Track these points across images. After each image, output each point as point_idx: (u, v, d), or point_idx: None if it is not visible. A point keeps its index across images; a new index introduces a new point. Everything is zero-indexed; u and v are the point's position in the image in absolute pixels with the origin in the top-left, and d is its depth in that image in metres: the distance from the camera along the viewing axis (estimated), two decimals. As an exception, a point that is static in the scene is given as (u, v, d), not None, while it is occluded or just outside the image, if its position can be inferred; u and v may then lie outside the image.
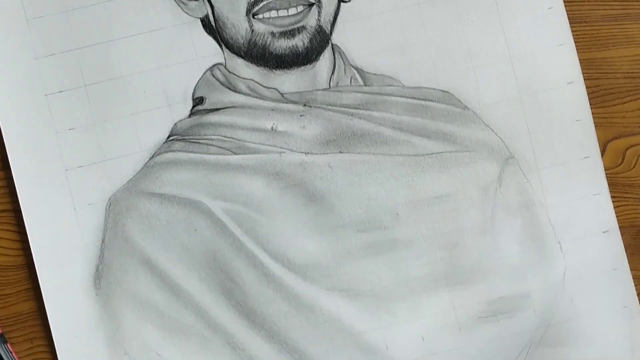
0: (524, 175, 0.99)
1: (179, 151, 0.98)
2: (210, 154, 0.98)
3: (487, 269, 0.98)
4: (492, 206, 0.99)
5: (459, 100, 0.99)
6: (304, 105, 0.99)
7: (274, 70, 0.99)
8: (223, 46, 0.99)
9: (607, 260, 0.99)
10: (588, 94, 1.00)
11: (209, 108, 0.99)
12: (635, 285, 0.99)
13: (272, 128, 0.99)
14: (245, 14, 0.98)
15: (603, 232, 0.99)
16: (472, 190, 0.98)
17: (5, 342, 0.97)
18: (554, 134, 0.99)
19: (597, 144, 0.99)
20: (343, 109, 0.99)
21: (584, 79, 1.00)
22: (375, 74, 0.99)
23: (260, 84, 0.99)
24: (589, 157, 0.99)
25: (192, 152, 0.98)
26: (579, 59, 1.00)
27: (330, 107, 0.99)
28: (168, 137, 0.99)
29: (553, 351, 0.98)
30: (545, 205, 0.99)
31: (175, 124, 0.99)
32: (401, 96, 0.99)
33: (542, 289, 0.98)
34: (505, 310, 0.98)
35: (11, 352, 0.97)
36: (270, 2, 0.97)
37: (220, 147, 0.99)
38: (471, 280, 0.98)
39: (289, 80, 0.99)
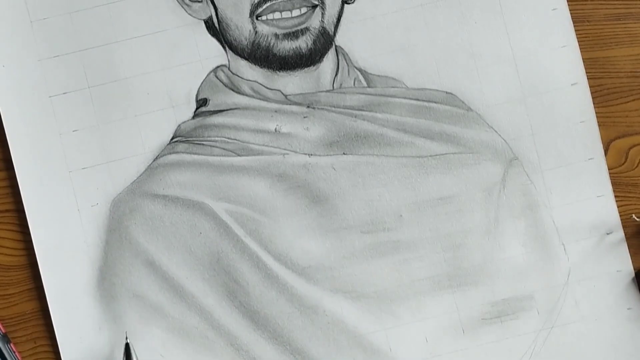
0: (528, 176, 0.99)
1: (183, 153, 0.98)
2: (213, 155, 0.98)
3: (491, 270, 0.98)
4: (496, 207, 0.99)
5: (463, 102, 0.99)
6: (308, 106, 0.99)
7: (278, 72, 0.99)
8: (226, 48, 0.99)
9: (611, 262, 0.99)
10: (591, 93, 1.00)
11: (212, 109, 0.99)
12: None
13: (275, 129, 0.99)
14: (248, 15, 0.98)
15: (607, 233, 0.99)
16: (476, 191, 0.98)
17: (8, 342, 0.97)
18: (558, 135, 0.99)
19: (601, 145, 0.99)
20: (346, 110, 0.99)
21: (587, 78, 1.00)
22: (378, 76, 0.99)
23: (264, 86, 0.99)
24: (593, 159, 0.99)
25: (195, 153, 0.98)
26: (582, 58, 1.00)
27: (333, 108, 0.99)
28: (172, 138, 0.99)
29: (557, 353, 0.98)
30: (549, 206, 0.99)
31: (179, 126, 0.99)
32: (405, 97, 0.99)
33: (545, 290, 0.98)
34: (509, 312, 0.98)
35: (14, 352, 0.97)
36: (274, 3, 0.97)
37: (224, 149, 0.99)
38: (475, 281, 0.98)
39: (292, 82, 0.99)
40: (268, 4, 0.97)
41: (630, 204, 1.00)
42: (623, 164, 1.00)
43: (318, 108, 0.99)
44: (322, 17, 0.98)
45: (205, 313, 0.97)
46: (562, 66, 1.00)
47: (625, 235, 0.99)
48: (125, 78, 0.99)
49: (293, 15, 0.98)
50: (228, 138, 0.99)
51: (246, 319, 0.97)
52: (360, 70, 1.00)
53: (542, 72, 1.00)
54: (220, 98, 0.99)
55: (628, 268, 0.99)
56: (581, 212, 0.99)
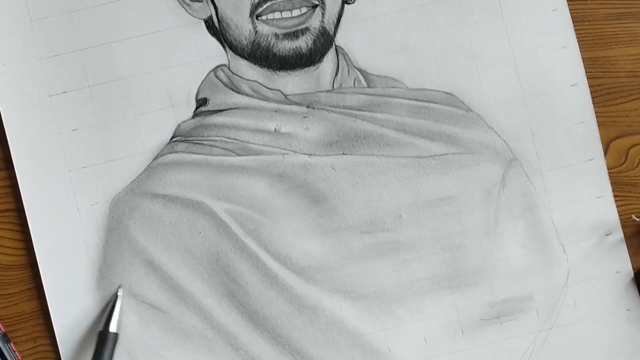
0: (527, 177, 0.99)
1: (183, 152, 0.98)
2: (213, 155, 0.98)
3: (490, 271, 0.98)
4: (496, 208, 0.99)
5: (463, 102, 0.99)
6: (307, 106, 0.99)
7: (278, 72, 0.99)
8: (226, 47, 0.99)
9: (610, 263, 0.99)
10: (591, 93, 1.00)
11: (212, 109, 0.99)
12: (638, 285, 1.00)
13: (275, 129, 0.99)
14: (249, 15, 0.98)
15: (606, 234, 0.99)
16: (476, 192, 0.98)
17: (8, 341, 0.97)
18: (558, 136, 0.99)
19: (600, 146, 0.99)
20: (346, 110, 0.99)
21: (587, 78, 1.00)
22: (378, 76, 0.99)
23: (264, 86, 0.99)
24: (592, 160, 0.99)
25: (195, 153, 0.98)
26: (582, 58, 1.00)
27: (333, 108, 0.99)
28: (171, 138, 0.99)
29: (556, 354, 0.98)
30: (549, 207, 0.99)
31: (179, 125, 0.99)
32: (404, 98, 0.99)
33: (545, 291, 0.98)
34: (508, 313, 0.98)
35: (14, 352, 0.97)
36: (274, 3, 0.97)
37: (224, 149, 0.99)
38: (474, 282, 0.98)
39: (292, 82, 0.99)
40: (268, 3, 0.97)
41: (629, 204, 1.00)
42: (623, 163, 1.00)
43: (318, 108, 0.99)
44: (322, 17, 0.98)
45: (205, 313, 0.97)
46: (562, 67, 1.00)
47: (625, 235, 0.99)
48: (125, 77, 0.99)
49: (293, 15, 0.98)
50: (228, 138, 0.99)
51: (245, 318, 0.97)
52: (360, 70, 1.00)
53: (542, 72, 1.00)
54: (220, 98, 0.99)
55: (627, 269, 0.99)
56: (581, 213, 0.99)
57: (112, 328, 0.96)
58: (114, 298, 0.97)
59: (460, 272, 0.98)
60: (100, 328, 0.96)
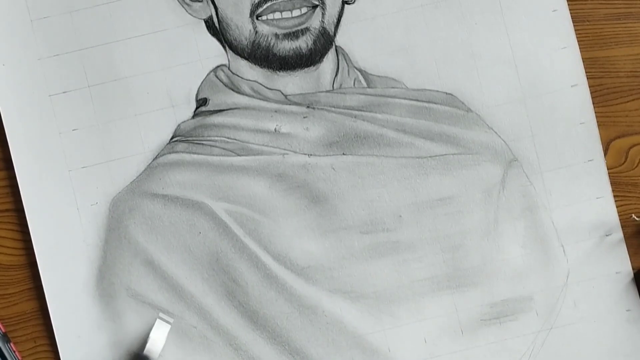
0: (527, 178, 0.99)
1: (183, 152, 0.98)
2: (213, 155, 0.98)
3: (490, 271, 0.98)
4: (495, 209, 0.99)
5: (463, 103, 0.99)
6: (308, 106, 0.99)
7: (278, 72, 0.99)
8: (227, 47, 0.99)
9: (610, 263, 0.99)
10: (591, 92, 1.00)
11: (212, 109, 0.99)
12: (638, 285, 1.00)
13: (275, 129, 0.99)
14: (249, 15, 0.98)
15: (606, 235, 0.99)
16: (475, 192, 0.98)
17: (8, 341, 0.97)
18: (558, 136, 0.99)
19: (600, 147, 0.99)
20: (346, 110, 0.99)
21: (587, 78, 1.00)
22: (378, 76, 0.99)
23: (264, 86, 0.99)
24: (592, 160, 0.99)
25: (195, 153, 0.98)
26: (582, 58, 1.00)
27: (333, 108, 0.99)
28: (171, 138, 0.99)
29: (556, 354, 0.98)
30: (549, 208, 0.99)
31: (179, 125, 0.99)
32: (405, 98, 0.99)
33: (544, 291, 0.99)
34: (508, 313, 0.98)
35: (14, 352, 0.97)
36: (274, 3, 0.97)
37: (224, 149, 0.99)
38: (474, 282, 0.98)
39: (292, 82, 0.99)
40: (268, 4, 0.97)
41: (629, 204, 1.00)
42: (623, 163, 1.00)
43: (318, 108, 0.99)
44: (323, 17, 0.98)
45: (204, 313, 0.97)
46: (562, 67, 1.00)
47: (625, 235, 0.99)
48: (125, 77, 0.99)
49: (293, 15, 0.98)
50: (228, 138, 0.99)
51: (245, 318, 0.97)
52: (360, 70, 1.00)
53: (542, 73, 1.00)
54: (220, 98, 0.99)
55: (627, 269, 0.99)
56: (580, 214, 0.99)
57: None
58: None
59: (460, 272, 0.98)
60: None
